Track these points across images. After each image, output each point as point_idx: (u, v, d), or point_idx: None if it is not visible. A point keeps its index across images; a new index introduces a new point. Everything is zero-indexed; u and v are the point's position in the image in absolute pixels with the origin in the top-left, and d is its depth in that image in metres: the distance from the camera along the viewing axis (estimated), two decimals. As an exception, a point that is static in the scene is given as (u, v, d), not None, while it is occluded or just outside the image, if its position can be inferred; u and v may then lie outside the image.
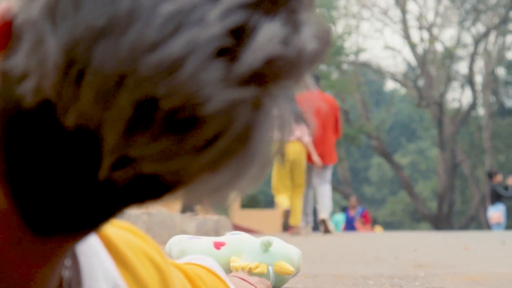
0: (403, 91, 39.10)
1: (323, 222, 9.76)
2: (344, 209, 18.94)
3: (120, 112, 0.65)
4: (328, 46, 0.70)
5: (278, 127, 0.70)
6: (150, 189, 0.71)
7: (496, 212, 16.88)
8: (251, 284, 1.35)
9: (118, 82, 0.64)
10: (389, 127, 38.77)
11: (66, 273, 0.84)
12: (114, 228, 1.00)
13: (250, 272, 2.90)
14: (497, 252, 6.06)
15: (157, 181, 0.69)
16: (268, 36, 0.65)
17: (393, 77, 35.02)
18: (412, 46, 33.18)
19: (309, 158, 9.47)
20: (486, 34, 33.06)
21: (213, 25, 0.64)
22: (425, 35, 33.33)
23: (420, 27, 33.43)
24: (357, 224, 17.54)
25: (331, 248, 6.13)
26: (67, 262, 0.84)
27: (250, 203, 21.80)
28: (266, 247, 3.02)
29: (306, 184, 9.80)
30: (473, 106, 33.58)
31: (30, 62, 0.67)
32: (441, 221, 30.07)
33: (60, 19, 0.65)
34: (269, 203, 20.07)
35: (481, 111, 34.63)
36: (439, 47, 33.72)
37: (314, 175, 9.85)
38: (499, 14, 32.51)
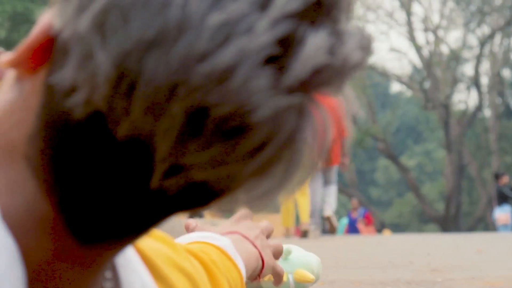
0: (409, 93, 39.08)
1: (328, 219, 9.86)
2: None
3: (172, 122, 0.66)
4: (370, 55, 0.71)
5: (320, 131, 0.71)
6: (198, 196, 0.72)
7: (503, 214, 16.84)
8: (251, 242, 1.35)
9: (169, 93, 0.65)
10: (395, 129, 38.73)
11: (108, 285, 0.85)
12: (146, 237, 1.01)
13: (269, 280, 2.90)
14: (511, 255, 6.05)
15: (205, 188, 0.70)
16: (315, 46, 0.66)
17: (399, 80, 35.00)
18: (418, 48, 33.16)
19: None
20: (491, 36, 33.03)
21: (262, 34, 0.65)
22: (431, 37, 33.33)
23: (426, 29, 33.41)
24: (360, 225, 17.43)
25: (343, 253, 6.12)
26: (108, 274, 0.85)
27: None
28: (286, 255, 3.02)
29: (313, 185, 9.83)
30: (479, 107, 33.54)
31: (80, 75, 0.67)
32: (449, 222, 30.03)
33: (109, 32, 0.66)
34: (275, 207, 20.05)
35: (487, 112, 34.59)
36: (444, 49, 33.72)
37: (319, 176, 9.87)
38: (504, 15, 32.47)
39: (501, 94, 33.77)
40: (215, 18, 0.65)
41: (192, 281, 1.05)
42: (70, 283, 0.78)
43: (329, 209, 9.88)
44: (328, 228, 10.04)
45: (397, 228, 32.90)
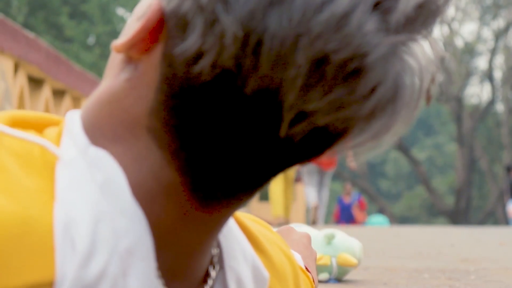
0: (421, 85, 38.86)
1: (314, 209, 10.70)
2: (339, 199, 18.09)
3: (298, 71, 0.71)
4: None
5: (421, 71, 0.76)
6: (317, 142, 0.76)
7: (514, 206, 16.77)
8: (305, 266, 1.26)
9: (294, 44, 0.71)
10: (406, 122, 38.54)
11: (215, 251, 0.88)
12: (245, 219, 1.02)
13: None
14: (534, 248, 6.05)
15: (324, 133, 0.75)
16: None
17: (412, 72, 34.86)
18: (432, 41, 33.05)
19: None
20: (506, 29, 32.94)
21: None
22: (445, 29, 33.26)
23: (440, 22, 33.28)
24: (355, 210, 16.85)
25: (367, 243, 6.13)
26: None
27: (267, 196, 21.86)
28: (329, 239, 3.05)
29: (308, 187, 10.69)
30: (492, 102, 33.48)
31: (206, 41, 0.73)
32: (459, 216, 30.02)
33: None
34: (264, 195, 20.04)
35: (499, 107, 34.52)
36: (459, 42, 33.65)
37: (315, 179, 10.69)
38: (520, 9, 32.36)
39: (514, 88, 33.66)
40: None
41: (291, 262, 1.04)
42: (192, 247, 0.81)
43: (319, 203, 10.68)
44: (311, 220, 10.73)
45: (406, 220, 32.91)
